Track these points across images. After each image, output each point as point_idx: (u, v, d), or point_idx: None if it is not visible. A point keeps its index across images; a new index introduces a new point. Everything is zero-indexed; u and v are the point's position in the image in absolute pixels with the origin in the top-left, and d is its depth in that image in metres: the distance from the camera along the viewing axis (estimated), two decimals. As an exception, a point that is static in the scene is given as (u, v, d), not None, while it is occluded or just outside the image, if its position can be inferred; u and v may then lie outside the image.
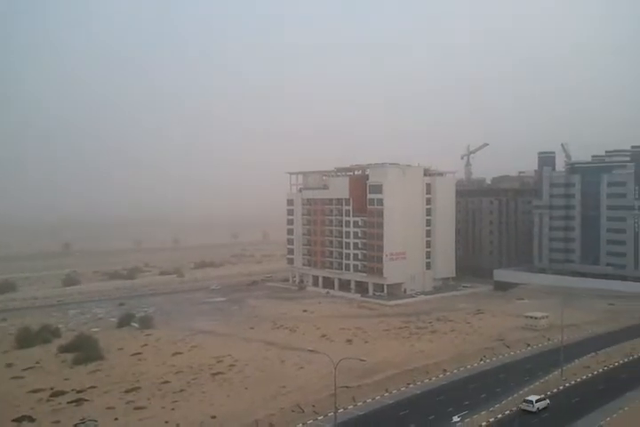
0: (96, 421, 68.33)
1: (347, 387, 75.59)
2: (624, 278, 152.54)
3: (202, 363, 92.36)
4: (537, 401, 67.26)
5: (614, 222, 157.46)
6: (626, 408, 67.13)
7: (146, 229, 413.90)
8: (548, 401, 68.43)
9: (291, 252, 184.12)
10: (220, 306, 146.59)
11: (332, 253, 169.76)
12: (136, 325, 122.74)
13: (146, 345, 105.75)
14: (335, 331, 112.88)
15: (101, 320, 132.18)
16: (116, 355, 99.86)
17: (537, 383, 77.21)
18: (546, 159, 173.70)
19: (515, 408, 67.51)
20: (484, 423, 63.46)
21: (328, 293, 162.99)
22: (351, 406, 69.67)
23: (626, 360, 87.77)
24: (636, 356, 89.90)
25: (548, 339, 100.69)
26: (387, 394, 74.20)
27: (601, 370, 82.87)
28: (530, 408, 66.52)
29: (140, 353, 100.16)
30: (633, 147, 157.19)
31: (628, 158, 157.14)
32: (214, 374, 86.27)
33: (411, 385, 77.68)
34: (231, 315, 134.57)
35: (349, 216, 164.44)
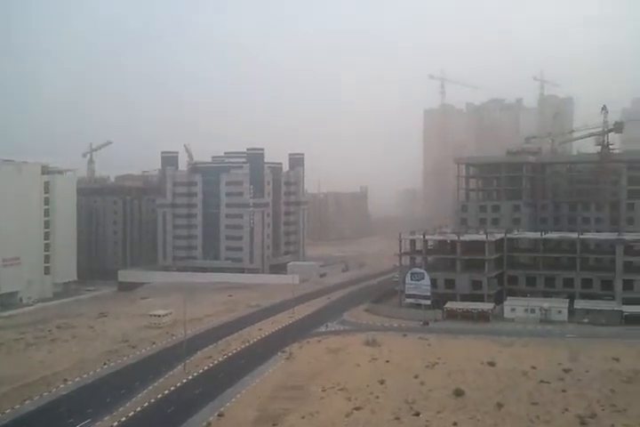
0: None
1: (-55, 415, 65.28)
2: (242, 271, 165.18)
3: None
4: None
5: (232, 219, 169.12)
6: (243, 391, 71.57)
7: None
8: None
9: None
10: None
11: None
12: None
13: None
14: None
15: None
16: None
17: (161, 380, 77.43)
18: (169, 159, 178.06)
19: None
20: (107, 429, 61.13)
21: None
22: (-49, 437, 60.37)
23: (243, 347, 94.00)
24: (252, 341, 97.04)
25: (172, 335, 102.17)
26: (-1, 415, 66.30)
27: (221, 359, 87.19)
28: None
29: None
30: (248, 149, 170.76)
31: (244, 160, 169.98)
32: None
33: (27, 401, 70.71)
34: None
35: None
